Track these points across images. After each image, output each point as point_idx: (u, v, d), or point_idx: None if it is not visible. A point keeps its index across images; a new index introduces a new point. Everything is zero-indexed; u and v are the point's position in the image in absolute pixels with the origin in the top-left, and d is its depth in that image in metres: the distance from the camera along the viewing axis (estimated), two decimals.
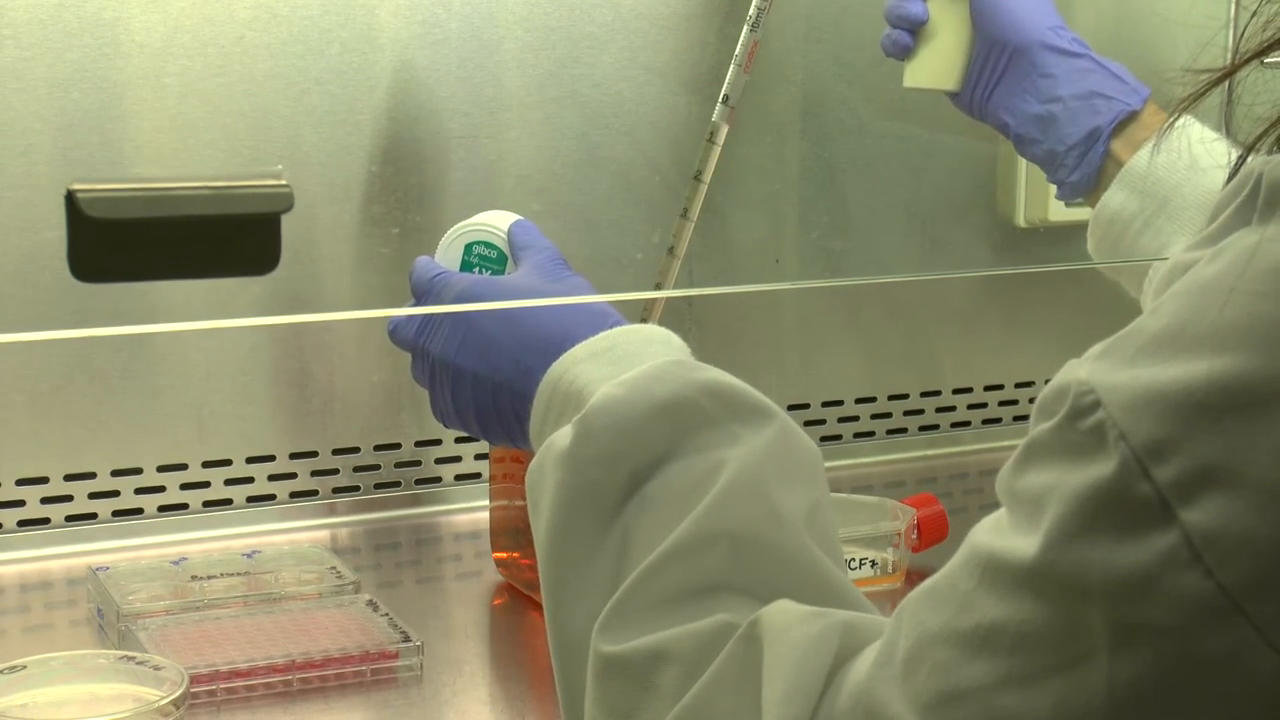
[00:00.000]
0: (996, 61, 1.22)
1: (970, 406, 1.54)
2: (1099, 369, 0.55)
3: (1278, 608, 0.51)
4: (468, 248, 1.02)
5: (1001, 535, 0.58)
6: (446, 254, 1.01)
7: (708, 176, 1.20)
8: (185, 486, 1.28)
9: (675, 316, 1.40)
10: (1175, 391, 0.52)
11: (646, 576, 0.72)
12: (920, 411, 1.52)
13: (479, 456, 1.34)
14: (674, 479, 0.75)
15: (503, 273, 1.00)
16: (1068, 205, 1.27)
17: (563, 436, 0.77)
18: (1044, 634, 0.55)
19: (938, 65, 1.25)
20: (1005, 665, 0.56)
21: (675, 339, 0.84)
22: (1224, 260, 0.54)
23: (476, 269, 1.01)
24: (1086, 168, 1.19)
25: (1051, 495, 0.55)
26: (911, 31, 1.25)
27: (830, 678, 0.64)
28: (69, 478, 1.24)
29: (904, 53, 1.25)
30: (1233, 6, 1.56)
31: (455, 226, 1.02)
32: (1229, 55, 1.51)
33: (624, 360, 0.81)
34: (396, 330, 0.96)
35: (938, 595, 0.60)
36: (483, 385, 0.89)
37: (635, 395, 0.77)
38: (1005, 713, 0.56)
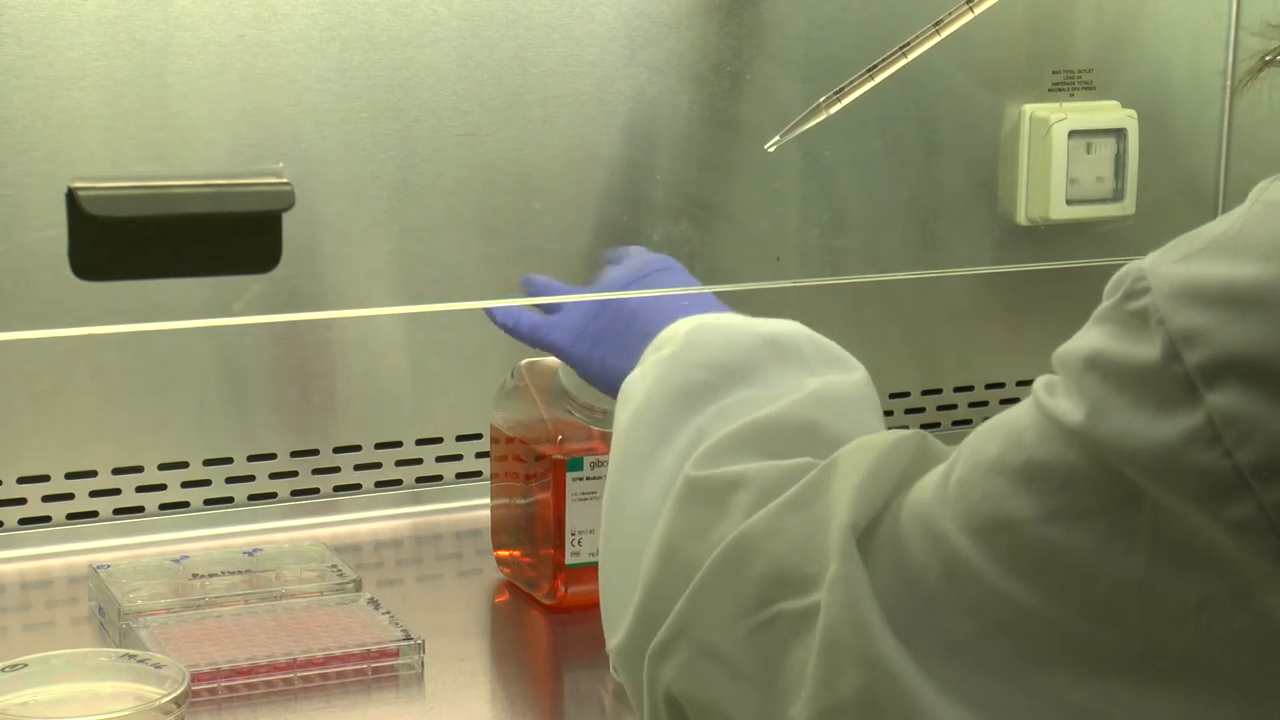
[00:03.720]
0: None
1: (971, 405, 1.54)
2: (1156, 260, 0.61)
3: None
4: None
5: (1054, 394, 0.62)
6: None
7: None
8: (186, 484, 1.28)
9: None
10: (1215, 286, 0.58)
11: (742, 427, 0.78)
12: (921, 410, 1.52)
13: (480, 455, 1.34)
14: (758, 397, 0.81)
15: None
16: None
17: (671, 345, 0.86)
18: (1091, 481, 0.60)
19: None
20: (1054, 502, 0.61)
21: None
22: None
23: None
24: None
25: (1096, 368, 0.61)
26: None
27: (900, 484, 0.68)
28: (70, 476, 1.24)
29: None
30: (1234, 6, 1.56)
31: None
32: (1229, 53, 1.49)
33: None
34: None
35: (997, 429, 0.65)
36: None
37: (745, 325, 0.87)
38: (1051, 545, 0.61)
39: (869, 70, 1.18)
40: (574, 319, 1.05)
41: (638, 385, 0.85)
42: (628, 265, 1.07)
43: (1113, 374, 0.60)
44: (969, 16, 1.16)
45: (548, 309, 1.08)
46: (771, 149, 1.22)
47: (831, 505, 0.68)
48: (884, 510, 0.67)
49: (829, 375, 0.83)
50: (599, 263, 1.12)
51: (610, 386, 0.98)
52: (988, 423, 0.66)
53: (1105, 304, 0.62)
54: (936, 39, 1.16)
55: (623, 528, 0.81)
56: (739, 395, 0.81)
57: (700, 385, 0.82)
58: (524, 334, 1.08)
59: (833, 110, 1.20)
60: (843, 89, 1.19)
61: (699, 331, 0.85)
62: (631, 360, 0.91)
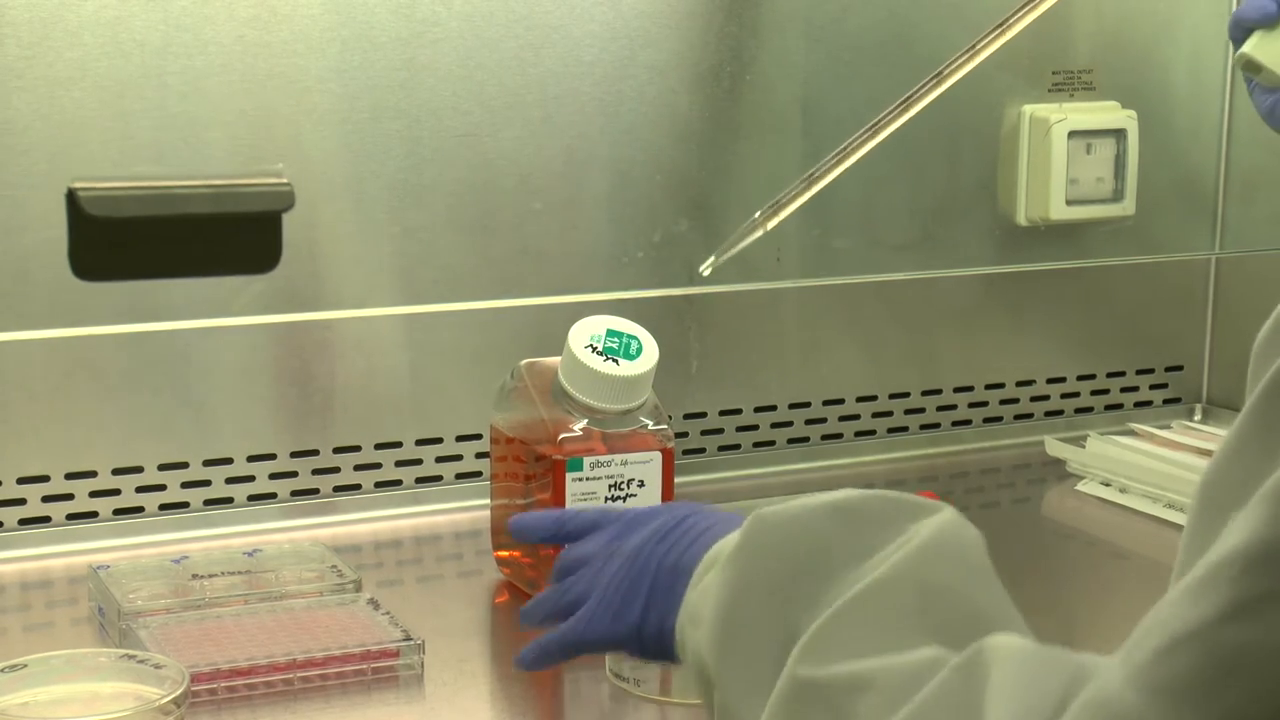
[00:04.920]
0: None
1: (971, 405, 1.54)
2: None
3: None
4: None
5: (1222, 488, 0.55)
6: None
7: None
8: (186, 485, 1.28)
9: (675, 315, 1.40)
10: None
11: (850, 605, 0.69)
12: (921, 410, 1.52)
13: (480, 455, 1.34)
14: (849, 569, 0.72)
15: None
16: None
17: (729, 541, 0.76)
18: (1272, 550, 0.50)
19: None
20: (1229, 596, 0.51)
21: None
22: None
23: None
24: None
25: None
26: None
27: (1063, 704, 0.57)
28: (70, 476, 1.24)
29: (1266, 20, 1.17)
30: (1233, 6, 1.56)
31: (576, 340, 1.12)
32: (1229, 53, 1.50)
33: None
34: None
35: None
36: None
37: (805, 500, 0.76)
38: (1230, 649, 0.51)
39: (806, 179, 1.19)
40: (604, 604, 0.86)
41: (706, 596, 0.75)
42: (639, 530, 0.88)
43: None
44: (877, 139, 1.17)
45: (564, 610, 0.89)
46: (706, 272, 1.23)
47: None
48: None
49: (909, 530, 0.73)
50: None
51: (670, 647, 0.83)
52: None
53: None
54: (872, 143, 1.17)
55: None
56: (823, 587, 0.72)
57: (779, 573, 0.73)
58: (558, 646, 0.89)
59: (770, 226, 1.19)
60: (779, 201, 1.20)
61: (760, 517, 0.75)
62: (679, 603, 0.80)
